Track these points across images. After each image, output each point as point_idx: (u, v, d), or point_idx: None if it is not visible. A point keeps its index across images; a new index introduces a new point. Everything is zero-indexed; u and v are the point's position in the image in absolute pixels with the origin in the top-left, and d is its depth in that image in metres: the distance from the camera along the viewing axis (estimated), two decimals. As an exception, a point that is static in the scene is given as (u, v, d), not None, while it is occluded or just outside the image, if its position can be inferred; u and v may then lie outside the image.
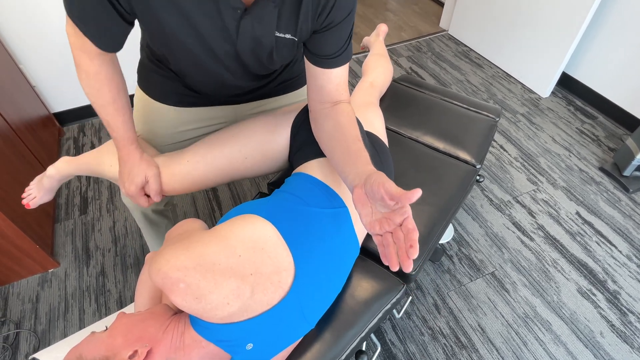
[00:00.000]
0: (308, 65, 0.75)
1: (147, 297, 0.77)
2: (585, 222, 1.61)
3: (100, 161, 0.93)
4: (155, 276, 0.57)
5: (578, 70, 2.15)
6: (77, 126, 2.05)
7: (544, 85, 2.20)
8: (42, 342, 1.28)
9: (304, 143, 0.86)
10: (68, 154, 1.90)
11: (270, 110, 0.97)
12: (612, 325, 1.31)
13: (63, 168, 0.98)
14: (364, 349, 0.97)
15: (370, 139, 0.96)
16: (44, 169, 1.62)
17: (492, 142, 1.97)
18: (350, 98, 0.80)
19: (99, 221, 1.62)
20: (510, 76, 2.39)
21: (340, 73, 0.74)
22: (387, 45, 2.67)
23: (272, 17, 0.65)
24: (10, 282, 1.40)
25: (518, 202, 1.70)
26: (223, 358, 0.62)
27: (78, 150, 1.92)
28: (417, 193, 0.46)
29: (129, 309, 0.98)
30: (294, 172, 0.84)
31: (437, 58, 2.57)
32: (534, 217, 1.64)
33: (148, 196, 0.87)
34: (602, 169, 1.81)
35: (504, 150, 1.93)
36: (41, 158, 1.63)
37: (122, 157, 0.82)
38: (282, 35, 0.68)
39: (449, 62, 2.53)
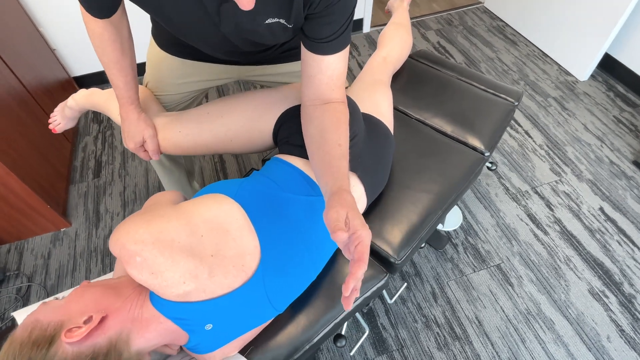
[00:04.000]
0: (303, 51, 0.71)
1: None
2: (609, 219, 1.50)
3: (110, 106, 0.98)
4: (113, 246, 0.58)
5: (623, 52, 1.94)
6: (97, 91, 2.10)
7: (583, 68, 2.01)
8: (51, 296, 1.36)
9: (290, 138, 0.82)
10: (86, 119, 1.95)
11: (263, 90, 0.94)
12: (622, 330, 1.23)
13: (81, 102, 1.05)
14: (343, 332, 0.96)
15: (369, 124, 0.91)
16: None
17: (517, 127, 1.85)
18: (345, 97, 0.73)
19: (111, 185, 1.67)
20: (547, 56, 2.20)
21: (334, 64, 0.68)
22: (415, 17, 2.52)
23: (256, 5, 0.61)
24: (25, 237, 1.49)
25: (537, 192, 1.60)
26: (181, 336, 0.62)
27: (96, 115, 1.97)
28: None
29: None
30: (275, 156, 0.82)
31: (469, 33, 2.40)
32: (551, 209, 1.54)
33: None
34: (636, 163, 1.66)
35: (529, 136, 1.81)
36: (58, 121, 1.67)
37: (121, 115, 0.87)
38: (274, 20, 0.64)
39: (481, 37, 2.36)
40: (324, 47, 0.66)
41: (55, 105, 1.69)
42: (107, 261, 1.43)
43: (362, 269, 0.49)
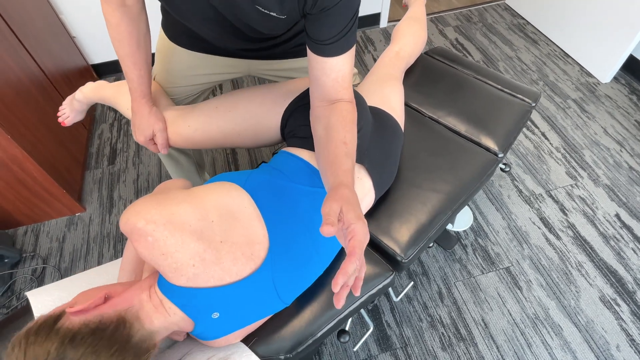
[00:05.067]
0: (307, 52, 0.70)
1: (134, 252, 0.80)
2: (624, 226, 1.46)
3: (119, 100, 1.00)
4: (124, 226, 0.58)
5: (649, 53, 1.88)
6: (114, 79, 2.13)
7: (606, 69, 1.95)
8: (64, 278, 1.39)
9: (297, 131, 0.83)
10: (103, 106, 1.98)
11: (270, 85, 0.94)
12: (632, 340, 1.21)
13: (89, 94, 1.06)
14: (347, 328, 0.96)
15: (376, 117, 0.90)
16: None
17: (534, 128, 1.81)
18: (353, 97, 0.72)
19: (125, 173, 1.70)
20: (568, 56, 2.14)
21: (338, 66, 0.67)
22: (433, 13, 2.48)
23: None
24: (41, 220, 1.53)
25: (551, 196, 1.57)
26: (187, 323, 0.63)
27: (113, 103, 2.00)
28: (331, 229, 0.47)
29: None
30: (282, 149, 0.82)
31: (488, 30, 2.35)
32: (565, 214, 1.51)
33: None
34: (656, 169, 1.61)
35: (546, 138, 1.77)
36: (76, 108, 1.71)
37: (133, 108, 0.88)
38: (264, 10, 0.63)
39: (501, 35, 2.31)
40: (326, 49, 0.65)
41: (73, 91, 1.72)
42: (119, 247, 1.46)
43: (352, 264, 0.46)
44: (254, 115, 0.88)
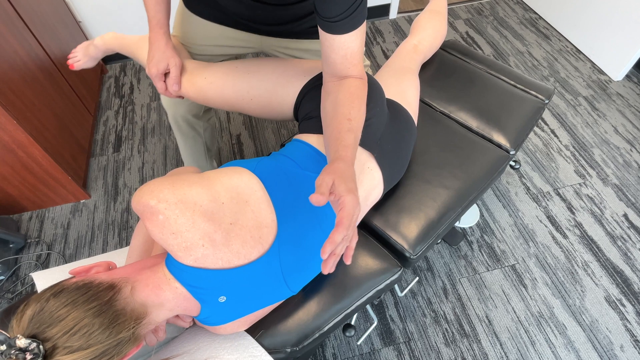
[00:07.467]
0: (319, 30, 0.69)
1: (142, 239, 0.80)
2: (632, 226, 1.45)
3: (139, 51, 0.98)
4: (136, 204, 0.58)
5: (664, 52, 1.85)
6: (119, 65, 2.11)
7: (618, 67, 1.92)
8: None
9: (312, 112, 0.81)
10: (109, 93, 1.96)
11: (293, 59, 0.93)
12: (636, 341, 1.20)
13: (109, 42, 1.03)
14: (352, 322, 0.96)
15: (393, 110, 0.89)
16: (83, 104, 1.69)
17: (543, 125, 1.79)
18: (363, 74, 0.72)
19: (130, 160, 1.69)
20: (580, 52, 2.11)
21: (346, 43, 0.67)
22: (444, 6, 2.44)
23: None
24: (46, 207, 1.52)
25: (558, 194, 1.55)
26: (193, 306, 0.62)
27: (118, 89, 1.98)
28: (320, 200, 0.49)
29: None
30: (294, 137, 0.81)
31: (499, 24, 2.31)
32: (573, 213, 1.50)
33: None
34: (666, 170, 1.59)
35: (555, 135, 1.75)
36: (81, 94, 1.69)
37: (150, 39, 0.86)
38: None
39: (512, 29, 2.27)
40: (334, 26, 0.65)
41: (79, 77, 1.71)
42: (124, 235, 1.46)
43: (339, 234, 0.48)
44: (272, 84, 0.86)
